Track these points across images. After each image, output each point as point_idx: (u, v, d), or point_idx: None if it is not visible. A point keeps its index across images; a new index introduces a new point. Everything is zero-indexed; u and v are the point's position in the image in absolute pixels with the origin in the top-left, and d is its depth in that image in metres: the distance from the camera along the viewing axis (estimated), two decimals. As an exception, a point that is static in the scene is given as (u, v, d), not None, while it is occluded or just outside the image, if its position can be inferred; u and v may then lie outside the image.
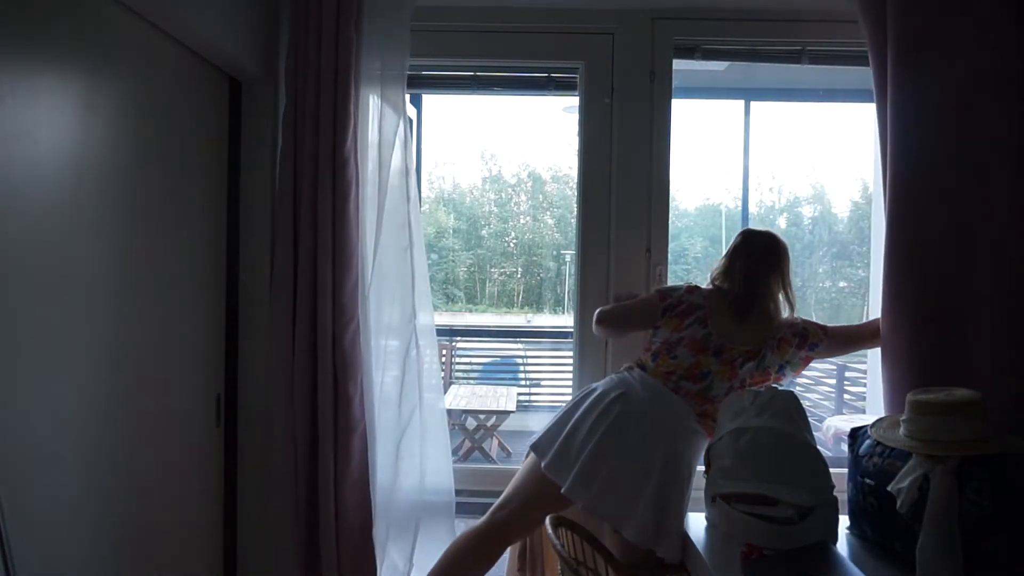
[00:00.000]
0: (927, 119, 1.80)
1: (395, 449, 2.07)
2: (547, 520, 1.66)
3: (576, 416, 1.84)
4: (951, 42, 1.77)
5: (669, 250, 2.25)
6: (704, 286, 2.00)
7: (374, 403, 2.03)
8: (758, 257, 1.95)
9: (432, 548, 2.04)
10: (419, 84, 2.47)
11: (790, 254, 2.00)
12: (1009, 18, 1.71)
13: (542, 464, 1.82)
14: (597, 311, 2.08)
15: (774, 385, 1.92)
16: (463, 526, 2.87)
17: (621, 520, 1.72)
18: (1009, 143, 1.70)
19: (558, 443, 1.82)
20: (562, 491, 1.75)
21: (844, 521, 1.66)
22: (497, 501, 1.91)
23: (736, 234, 2.03)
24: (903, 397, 1.82)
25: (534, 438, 1.90)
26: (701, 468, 1.81)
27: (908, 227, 1.82)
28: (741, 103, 5.81)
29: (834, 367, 5.30)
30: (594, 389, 1.89)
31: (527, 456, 1.95)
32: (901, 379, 1.87)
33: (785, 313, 1.97)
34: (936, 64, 1.79)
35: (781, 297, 1.96)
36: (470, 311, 11.66)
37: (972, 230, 1.76)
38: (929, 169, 1.81)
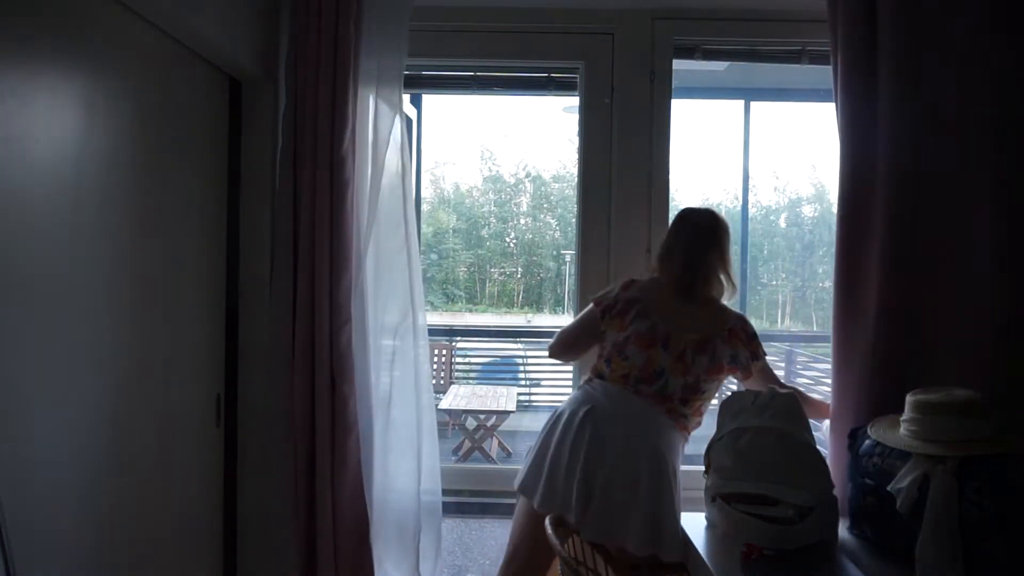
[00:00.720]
0: (922, 121, 1.81)
1: (393, 450, 2.07)
2: (547, 520, 1.66)
3: (552, 446, 1.81)
4: (942, 45, 1.78)
5: (669, 250, 2.25)
6: (647, 275, 1.98)
7: (371, 404, 2.03)
8: (697, 234, 1.93)
9: (421, 547, 2.03)
10: (419, 84, 2.47)
11: (730, 232, 1.97)
12: (994, 23, 1.73)
13: (535, 504, 1.80)
14: (549, 345, 2.09)
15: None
16: (462, 526, 2.87)
17: (623, 538, 1.70)
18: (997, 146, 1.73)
19: (544, 479, 1.79)
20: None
21: (844, 521, 1.66)
22: (504, 557, 1.90)
23: (677, 214, 2.01)
24: (854, 402, 1.84)
25: (518, 481, 1.87)
26: (700, 468, 1.81)
27: (902, 230, 1.82)
28: (741, 103, 5.81)
29: (834, 367, 5.29)
30: (561, 413, 1.87)
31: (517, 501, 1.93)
32: (852, 384, 1.88)
33: (727, 295, 1.95)
34: (930, 67, 1.80)
35: (724, 279, 1.94)
36: (470, 311, 11.67)
37: (960, 232, 1.78)
38: (925, 170, 1.81)
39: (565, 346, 2.06)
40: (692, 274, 1.90)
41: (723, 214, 1.98)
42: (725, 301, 1.96)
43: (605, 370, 1.90)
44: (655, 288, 1.93)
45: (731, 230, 1.97)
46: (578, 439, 1.78)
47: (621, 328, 1.89)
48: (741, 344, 1.89)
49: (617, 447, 1.74)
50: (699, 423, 1.93)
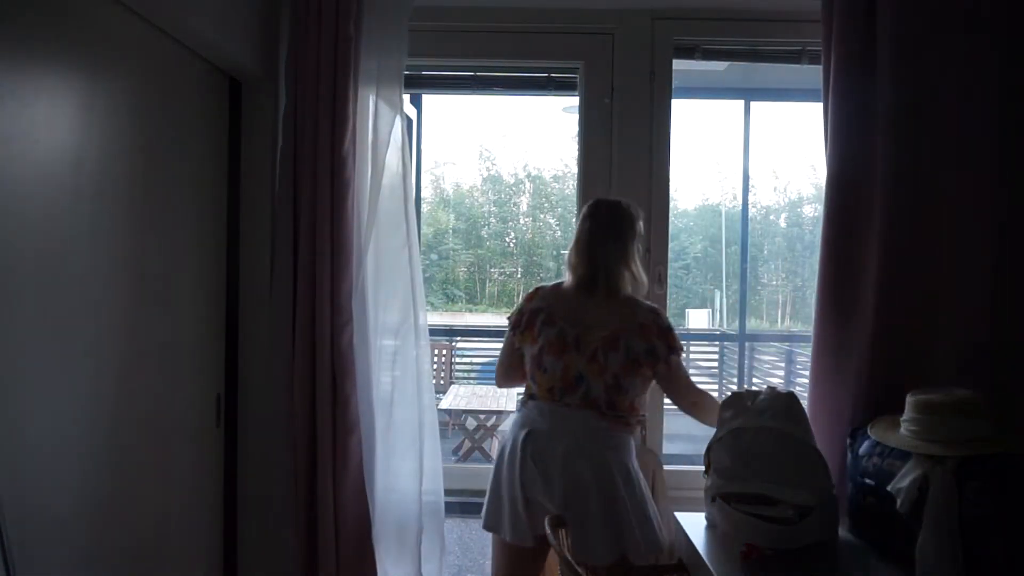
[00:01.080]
0: (922, 120, 1.81)
1: (394, 451, 2.07)
2: (547, 521, 1.66)
3: (504, 478, 1.81)
4: (942, 45, 1.79)
5: (669, 249, 2.25)
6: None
7: (372, 404, 2.03)
8: (597, 227, 1.87)
9: (423, 549, 2.03)
10: (419, 84, 2.47)
11: (640, 223, 1.90)
12: (994, 24, 1.74)
13: (507, 538, 1.81)
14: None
15: (774, 385, 1.92)
16: (462, 526, 2.86)
17: (587, 553, 1.71)
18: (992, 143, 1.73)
19: (506, 512, 1.80)
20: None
21: (844, 521, 1.66)
22: None
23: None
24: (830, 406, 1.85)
25: (482, 518, 1.87)
26: (700, 468, 1.81)
27: (901, 230, 1.82)
28: (741, 103, 5.83)
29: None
30: (505, 442, 1.87)
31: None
32: (833, 386, 1.88)
33: (636, 290, 1.88)
34: (929, 67, 1.80)
35: (627, 273, 1.85)
36: (470, 311, 11.67)
37: (960, 232, 1.78)
38: (925, 170, 1.82)
39: (502, 374, 2.04)
40: (592, 269, 1.84)
41: (633, 204, 1.91)
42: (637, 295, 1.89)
43: (533, 388, 1.88)
44: (559, 292, 1.89)
45: (639, 225, 1.90)
46: (523, 467, 1.78)
47: (533, 341, 1.86)
48: (656, 337, 1.81)
49: (558, 466, 1.74)
50: (641, 419, 1.91)
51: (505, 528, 1.81)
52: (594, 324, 1.82)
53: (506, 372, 2.02)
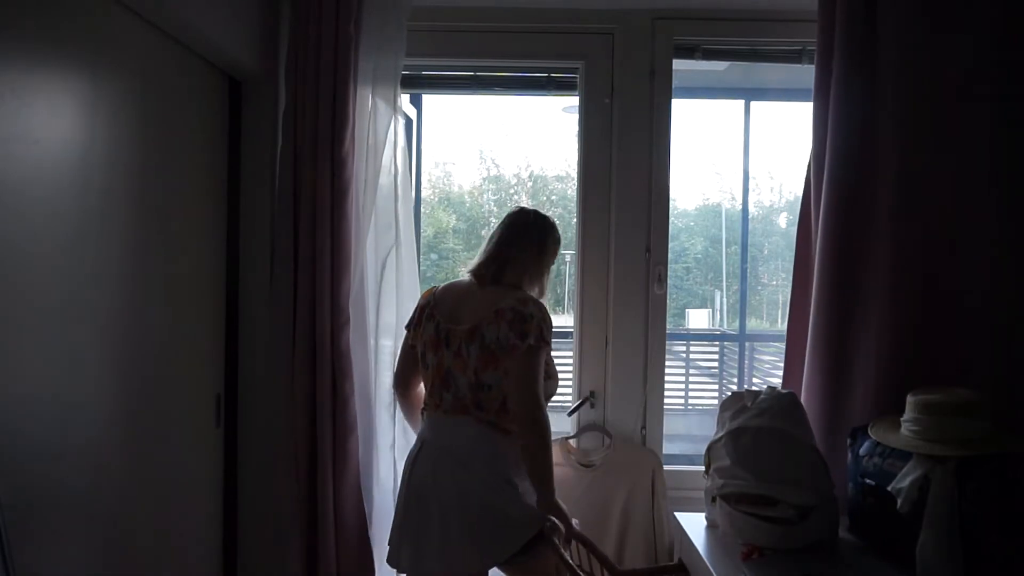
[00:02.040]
0: (923, 120, 1.81)
1: (392, 450, 2.07)
2: (546, 523, 1.67)
3: (404, 508, 1.76)
4: (943, 44, 1.79)
5: (669, 250, 2.25)
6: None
7: (371, 404, 2.03)
8: (506, 228, 1.85)
9: None
10: (419, 84, 2.47)
11: (555, 241, 1.86)
12: (994, 24, 1.74)
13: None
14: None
15: (774, 385, 1.92)
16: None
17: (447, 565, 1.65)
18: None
19: (410, 543, 1.72)
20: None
21: (844, 521, 1.66)
22: None
23: None
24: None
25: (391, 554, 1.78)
26: (700, 468, 1.81)
27: (902, 231, 1.82)
28: (741, 103, 5.83)
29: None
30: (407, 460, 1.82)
31: None
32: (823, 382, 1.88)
33: (525, 286, 1.81)
34: (930, 66, 1.80)
35: (524, 275, 1.81)
36: (470, 311, 11.63)
37: (961, 232, 1.79)
38: (927, 169, 1.81)
39: (397, 376, 1.96)
40: (485, 261, 1.82)
41: (555, 225, 1.88)
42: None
43: (424, 391, 1.85)
44: (449, 287, 1.86)
45: (554, 239, 1.86)
46: (412, 493, 1.74)
47: (421, 336, 1.83)
48: (507, 323, 1.68)
49: (442, 488, 1.68)
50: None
51: (407, 562, 1.73)
52: (464, 317, 1.76)
53: (399, 373, 1.95)
